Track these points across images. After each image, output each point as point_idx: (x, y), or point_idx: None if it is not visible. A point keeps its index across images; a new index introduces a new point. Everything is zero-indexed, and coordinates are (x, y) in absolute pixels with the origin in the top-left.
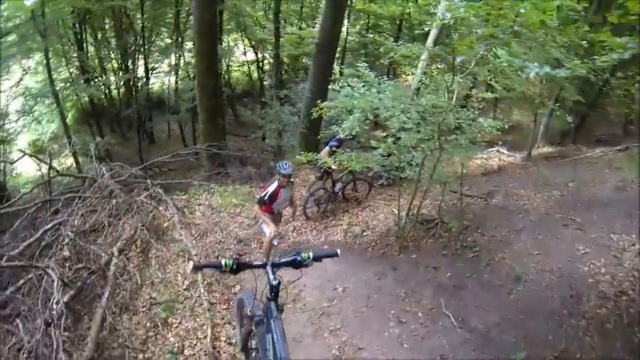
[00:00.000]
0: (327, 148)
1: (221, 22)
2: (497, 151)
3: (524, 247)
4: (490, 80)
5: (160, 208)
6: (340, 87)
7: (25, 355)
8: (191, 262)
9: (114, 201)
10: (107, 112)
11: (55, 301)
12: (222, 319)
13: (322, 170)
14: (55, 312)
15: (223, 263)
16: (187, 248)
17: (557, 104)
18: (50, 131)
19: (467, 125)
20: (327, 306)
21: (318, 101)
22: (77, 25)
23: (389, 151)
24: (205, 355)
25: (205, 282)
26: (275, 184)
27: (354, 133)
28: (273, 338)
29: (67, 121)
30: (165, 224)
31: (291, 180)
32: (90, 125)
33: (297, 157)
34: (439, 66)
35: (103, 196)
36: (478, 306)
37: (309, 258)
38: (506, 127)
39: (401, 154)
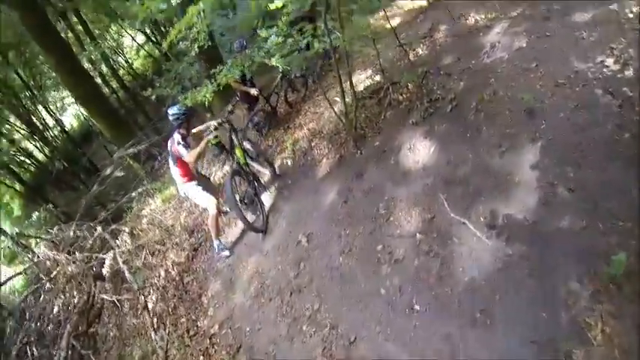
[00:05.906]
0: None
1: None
2: None
3: (512, 66)
4: None
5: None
6: None
7: None
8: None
9: (69, 270)
10: (43, 178)
11: None
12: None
13: (249, 98)
14: None
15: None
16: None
17: None
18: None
19: None
20: (295, 275)
21: None
22: None
23: (283, 33)
24: None
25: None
26: (177, 136)
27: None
28: None
29: (15, 213)
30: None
31: (188, 126)
32: (37, 202)
33: (197, 97)
34: None
35: (50, 277)
36: (491, 175)
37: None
38: None
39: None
